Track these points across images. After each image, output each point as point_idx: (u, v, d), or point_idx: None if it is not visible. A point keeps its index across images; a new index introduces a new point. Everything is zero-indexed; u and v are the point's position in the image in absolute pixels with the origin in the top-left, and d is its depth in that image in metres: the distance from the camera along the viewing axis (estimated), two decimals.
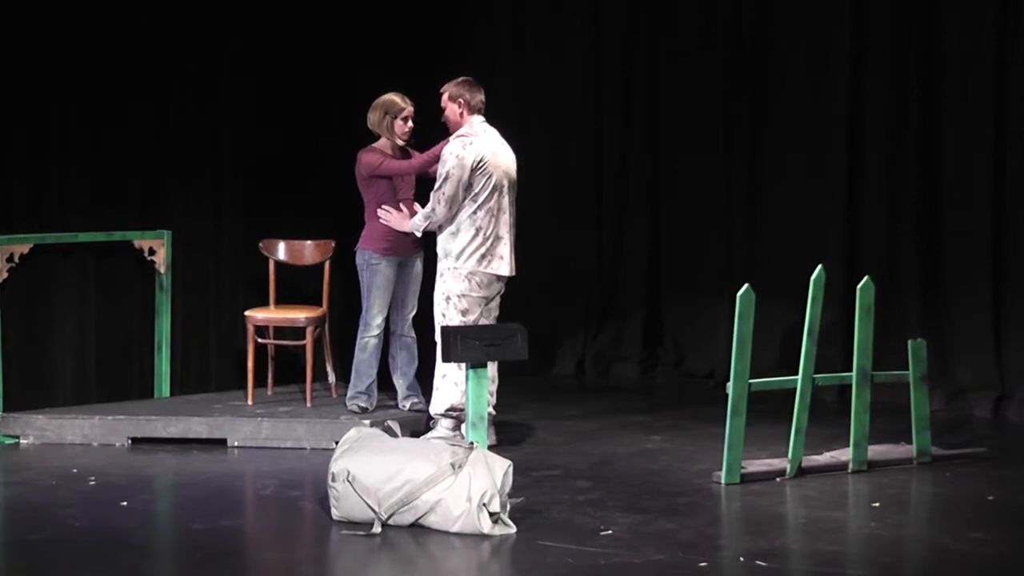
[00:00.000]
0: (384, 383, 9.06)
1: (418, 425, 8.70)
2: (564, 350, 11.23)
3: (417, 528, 6.82)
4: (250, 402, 9.17)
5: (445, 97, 8.48)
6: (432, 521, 6.79)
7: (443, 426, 8.44)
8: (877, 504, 7.31)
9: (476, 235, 8.35)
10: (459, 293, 8.36)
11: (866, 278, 8.01)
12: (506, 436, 8.74)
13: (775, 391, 8.18)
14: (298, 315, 9.24)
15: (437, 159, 8.45)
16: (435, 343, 8.23)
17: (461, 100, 8.45)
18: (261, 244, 9.56)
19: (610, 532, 6.79)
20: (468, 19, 11.25)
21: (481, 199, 8.34)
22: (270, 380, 9.53)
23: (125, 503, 7.35)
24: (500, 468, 6.85)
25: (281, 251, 9.57)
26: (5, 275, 8.85)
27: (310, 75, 10.18)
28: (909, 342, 8.13)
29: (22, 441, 8.78)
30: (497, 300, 8.55)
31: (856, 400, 7.96)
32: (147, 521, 7.24)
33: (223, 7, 9.84)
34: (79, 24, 9.30)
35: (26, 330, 9.10)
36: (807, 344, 7.80)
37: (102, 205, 9.40)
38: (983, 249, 9.63)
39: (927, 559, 6.59)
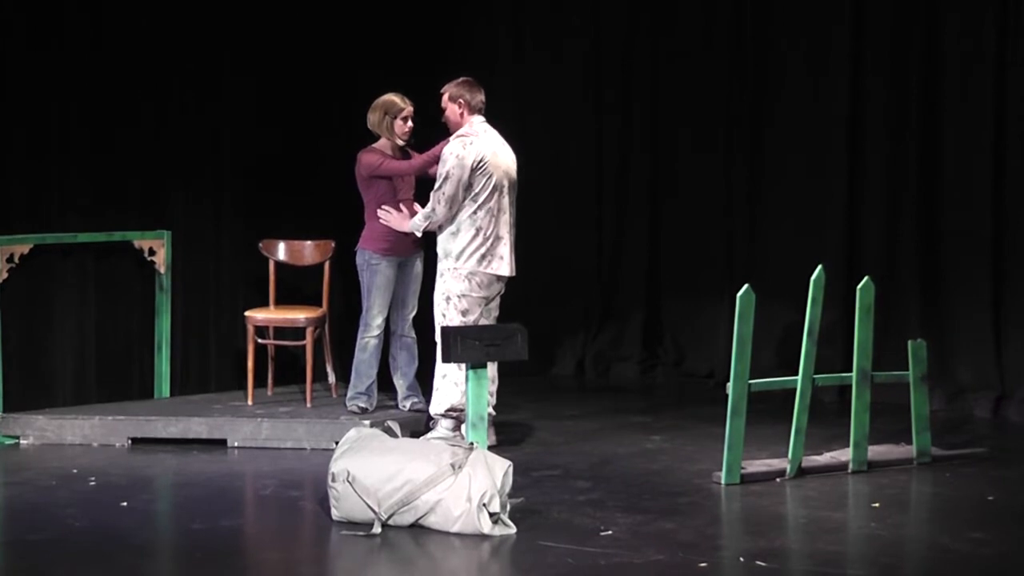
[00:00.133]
0: (384, 383, 9.06)
1: (418, 425, 8.70)
2: (564, 350, 11.23)
3: (417, 528, 6.82)
4: (250, 402, 9.17)
5: (445, 97, 8.48)
6: (432, 521, 6.79)
7: (443, 426, 8.44)
8: (877, 504, 7.31)
9: (476, 235, 8.35)
10: (459, 293, 8.36)
11: (866, 278, 8.01)
12: (506, 436, 8.74)
13: (775, 391, 8.18)
14: (298, 315, 9.24)
15: (437, 159, 8.45)
16: (435, 343, 8.23)
17: (461, 100, 8.45)
18: (261, 244, 9.56)
19: (610, 532, 6.79)
20: (468, 19, 11.24)
21: (481, 199, 8.34)
22: (270, 380, 9.53)
23: (125, 503, 7.35)
24: (500, 468, 6.85)
25: (281, 251, 9.57)
26: (5, 275, 8.85)
27: (310, 75, 10.18)
28: (909, 342, 8.13)
29: (22, 441, 8.78)
30: (497, 300, 8.55)
31: (856, 400, 7.96)
32: (147, 521, 7.24)
33: (223, 7, 9.84)
34: (79, 24, 9.30)
35: (26, 330, 9.10)
36: (807, 344, 7.80)
37: (102, 205, 9.40)
38: (983, 249, 9.63)
39: (927, 559, 6.59)
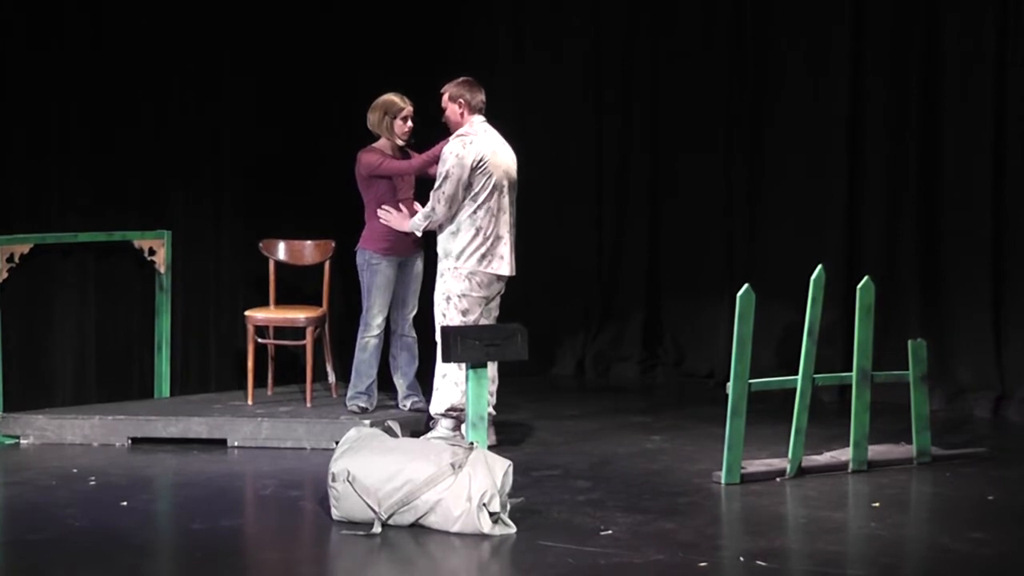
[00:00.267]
0: (384, 383, 9.07)
1: (418, 425, 8.70)
2: (564, 350, 11.23)
3: (417, 528, 6.82)
4: (250, 402, 9.17)
5: (445, 97, 8.49)
6: (432, 521, 6.79)
7: (443, 426, 8.44)
8: (877, 504, 7.31)
9: (476, 235, 8.35)
10: (459, 293, 8.36)
11: (866, 278, 8.01)
12: (506, 436, 8.74)
13: (775, 391, 8.18)
14: (298, 315, 9.24)
15: (437, 159, 8.45)
16: (435, 343, 8.23)
17: (461, 100, 8.45)
18: (261, 244, 9.57)
19: (610, 532, 6.79)
20: (468, 19, 11.25)
21: (481, 199, 8.34)
22: (270, 380, 9.53)
23: (125, 503, 7.35)
24: (500, 468, 6.85)
25: (281, 251, 9.57)
26: (5, 275, 8.85)
27: (310, 75, 10.18)
28: (909, 342, 8.13)
29: (22, 441, 8.78)
30: (497, 300, 8.55)
31: (856, 400, 7.96)
32: (147, 521, 7.24)
33: (223, 7, 9.84)
34: (79, 24, 9.30)
35: (26, 330, 9.10)
36: (807, 344, 7.80)
37: (102, 205, 9.40)
38: (983, 249, 9.63)
39: (927, 559, 6.59)
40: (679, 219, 10.99)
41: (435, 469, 6.81)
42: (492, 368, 8.38)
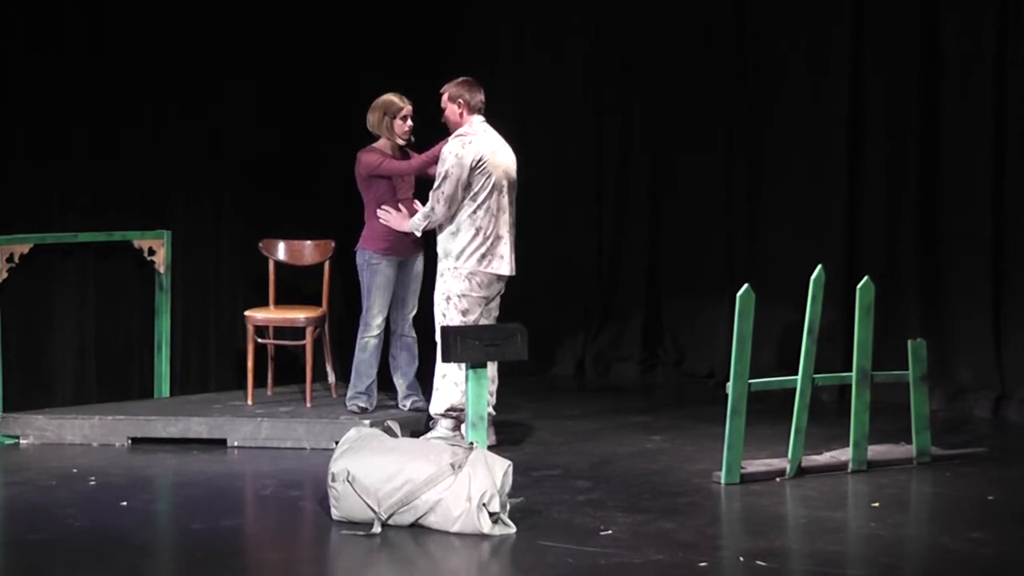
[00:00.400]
0: (384, 383, 9.07)
1: (418, 425, 8.70)
2: (564, 350, 11.23)
3: (417, 528, 6.82)
4: (250, 402, 9.17)
5: (445, 97, 8.49)
6: (432, 521, 6.79)
7: (443, 426, 8.44)
8: (877, 504, 7.31)
9: (476, 235, 8.35)
10: (459, 293, 8.36)
11: (866, 278, 8.01)
12: (506, 436, 8.74)
13: (775, 391, 8.18)
14: (298, 315, 9.24)
15: (436, 159, 8.45)
16: (435, 343, 8.23)
17: (461, 100, 8.45)
18: (261, 244, 9.57)
19: (610, 532, 6.79)
20: (468, 19, 11.25)
21: (481, 198, 8.34)
22: (270, 380, 9.53)
23: (125, 503, 7.35)
24: (500, 468, 6.85)
25: (281, 251, 9.57)
26: (5, 275, 8.85)
27: (310, 75, 10.18)
28: (909, 342, 8.13)
29: (22, 441, 8.78)
30: (497, 300, 8.55)
31: (856, 400, 7.96)
32: (147, 521, 7.24)
33: (223, 7, 9.84)
34: (79, 24, 9.30)
35: (26, 330, 9.10)
36: (807, 344, 7.80)
37: (102, 205, 9.40)
38: (983, 249, 9.63)
39: (927, 559, 6.59)
40: (679, 219, 10.99)
41: (435, 469, 6.81)
42: (492, 368, 8.38)
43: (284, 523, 7.20)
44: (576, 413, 9.68)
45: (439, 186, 8.35)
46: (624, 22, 11.06)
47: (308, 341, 9.14)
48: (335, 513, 6.97)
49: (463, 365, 7.73)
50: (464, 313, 8.35)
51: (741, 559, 6.40)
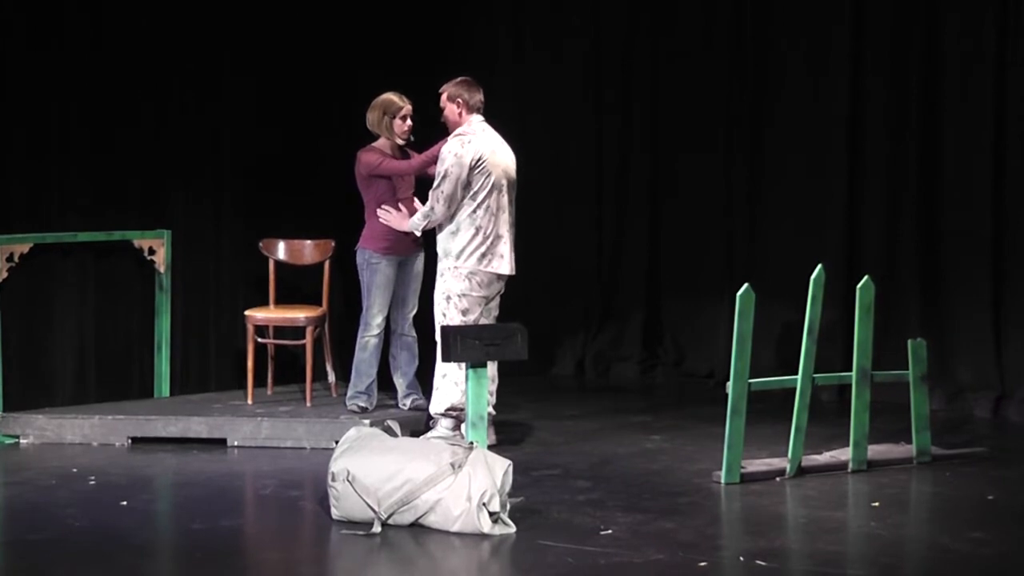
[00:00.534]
0: (384, 382, 9.07)
1: (418, 425, 8.70)
2: (564, 350, 11.23)
3: (417, 528, 6.81)
4: (250, 402, 9.17)
5: (444, 97, 8.49)
6: (432, 521, 6.79)
7: (443, 426, 8.44)
8: (877, 504, 7.31)
9: (476, 234, 8.35)
10: (459, 292, 8.36)
11: (866, 278, 8.01)
12: (506, 436, 8.74)
13: (775, 391, 8.18)
14: (298, 315, 9.24)
15: (436, 159, 8.45)
16: (435, 342, 8.24)
17: (460, 100, 8.45)
18: (261, 244, 9.57)
19: (610, 532, 6.79)
20: (468, 19, 11.25)
21: (480, 198, 8.34)
22: (270, 380, 9.53)
23: (125, 503, 7.35)
24: (500, 468, 6.85)
25: (281, 251, 9.57)
26: (5, 275, 8.85)
27: (310, 75, 10.18)
28: (909, 342, 8.13)
29: (22, 441, 8.78)
30: (497, 300, 8.55)
31: (856, 400, 7.96)
32: (147, 521, 7.24)
33: (223, 7, 9.84)
34: (79, 24, 9.30)
35: (26, 330, 9.10)
36: (807, 343, 7.80)
37: (102, 205, 9.40)
38: (983, 249, 9.63)
39: (927, 559, 6.59)
40: (679, 219, 10.99)
41: (435, 469, 6.80)
42: (492, 368, 8.38)
43: (284, 523, 7.20)
44: (576, 413, 9.68)
45: (438, 185, 8.35)
46: (624, 22, 11.06)
47: (308, 341, 9.14)
48: (335, 513, 6.97)
49: (463, 365, 7.73)
50: (464, 313, 8.35)
51: (741, 559, 6.40)
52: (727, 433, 7.62)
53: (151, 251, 9.49)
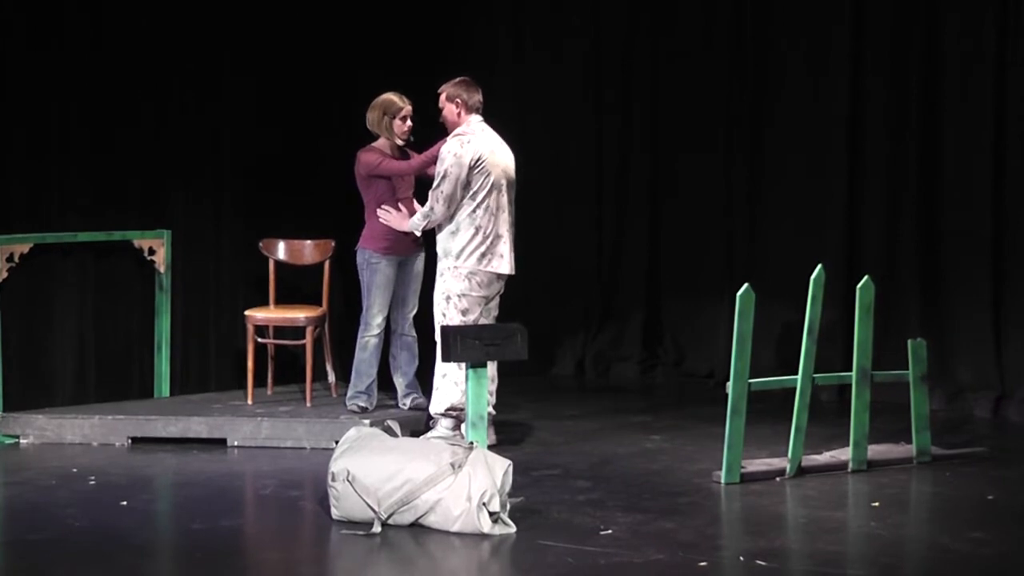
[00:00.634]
0: (384, 382, 9.07)
1: (418, 424, 8.70)
2: (564, 350, 11.23)
3: (417, 528, 6.81)
4: (250, 402, 9.17)
5: (443, 97, 8.49)
6: (432, 521, 6.79)
7: (443, 426, 8.44)
8: (877, 504, 7.31)
9: (476, 234, 8.35)
10: (459, 292, 8.36)
11: (866, 278, 8.01)
12: (506, 436, 8.74)
13: (775, 391, 8.18)
14: (298, 315, 9.24)
15: (436, 159, 8.46)
16: (435, 342, 8.24)
17: (459, 100, 8.45)
18: (261, 244, 9.57)
19: (610, 532, 6.79)
20: (468, 19, 11.25)
21: (480, 197, 8.34)
22: (270, 380, 9.53)
23: (125, 503, 7.35)
24: (500, 468, 6.85)
25: (281, 251, 9.57)
26: (5, 275, 8.85)
27: (310, 75, 10.18)
28: (909, 342, 8.13)
29: (22, 441, 8.78)
30: (497, 300, 8.55)
31: (856, 400, 7.96)
32: (147, 521, 7.24)
33: (223, 7, 9.84)
34: (79, 24, 9.30)
35: (26, 330, 9.10)
36: (807, 343, 7.80)
37: (102, 205, 9.41)
38: (983, 249, 9.63)
39: (927, 559, 6.59)
40: (679, 219, 10.99)
41: (435, 469, 6.80)
42: (491, 368, 8.38)
43: (284, 523, 7.20)
44: (576, 413, 9.68)
45: (438, 185, 8.35)
46: (624, 22, 11.06)
47: (308, 341, 9.14)
48: (335, 513, 6.97)
49: (463, 365, 7.73)
50: (464, 313, 8.35)
51: (741, 559, 6.40)
52: (727, 433, 7.62)
53: (151, 251, 9.49)
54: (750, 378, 7.68)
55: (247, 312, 9.26)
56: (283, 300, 9.50)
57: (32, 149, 9.16)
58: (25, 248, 8.95)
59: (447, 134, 8.50)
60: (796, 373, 7.85)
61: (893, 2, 9.94)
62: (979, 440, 8.75)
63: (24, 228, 9.03)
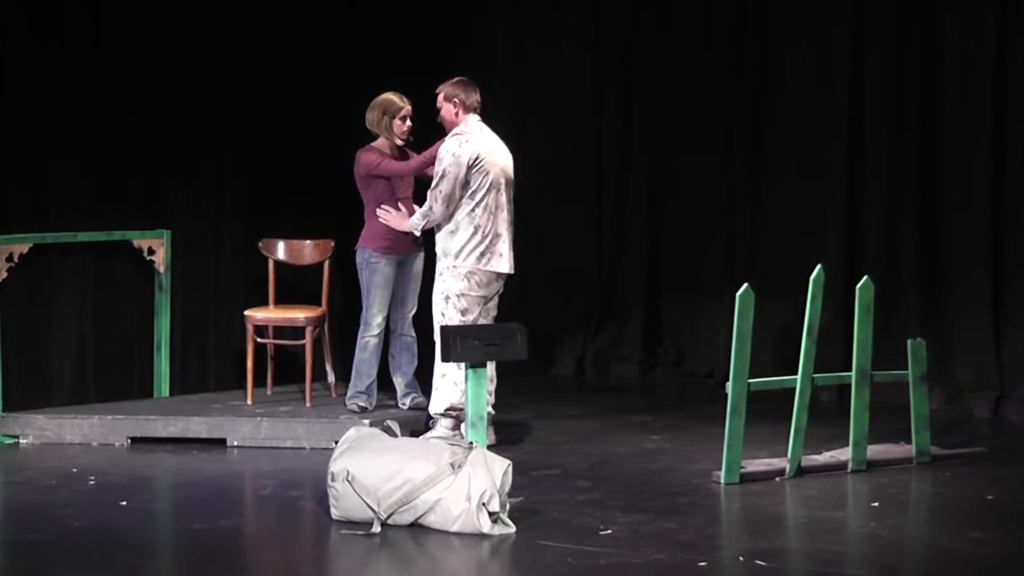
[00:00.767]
0: (384, 382, 9.07)
1: (418, 424, 8.69)
2: (564, 350, 11.23)
3: (416, 528, 6.81)
4: (249, 402, 9.17)
5: (441, 97, 8.50)
6: (431, 521, 6.79)
7: (443, 426, 8.44)
8: (877, 504, 7.31)
9: (475, 233, 8.35)
10: (458, 292, 8.36)
11: (866, 278, 8.01)
12: (506, 436, 8.74)
13: (774, 391, 8.18)
14: (297, 315, 9.24)
15: (435, 159, 8.45)
16: (435, 342, 8.23)
17: (456, 100, 8.45)
18: (261, 244, 9.57)
19: (610, 532, 6.79)
20: (468, 19, 11.24)
21: (478, 196, 8.34)
22: (269, 380, 9.53)
23: (125, 503, 7.35)
24: (499, 468, 6.85)
25: (281, 251, 9.57)
26: (5, 275, 8.85)
27: (310, 75, 10.18)
28: (909, 342, 8.13)
29: (22, 441, 8.78)
30: (496, 300, 8.55)
31: (855, 400, 7.95)
32: (147, 521, 7.24)
33: (223, 7, 9.83)
34: (79, 24, 9.29)
35: (26, 330, 9.10)
36: (806, 343, 7.80)
37: (102, 205, 9.40)
38: (983, 249, 9.63)
39: (927, 559, 6.59)
40: (679, 219, 10.99)
41: (434, 469, 6.80)
42: (490, 368, 8.37)
43: (284, 523, 7.20)
44: (576, 413, 9.68)
45: (436, 185, 8.36)
46: (624, 22, 11.06)
47: (308, 341, 9.14)
48: (335, 513, 6.97)
49: (462, 365, 7.73)
50: (463, 312, 8.35)
51: (741, 559, 6.40)
52: (727, 433, 7.62)
53: (151, 251, 9.49)
54: (750, 378, 7.68)
55: (247, 312, 9.26)
56: (283, 300, 9.50)
57: (32, 149, 9.16)
58: (25, 248, 8.95)
59: (445, 134, 8.50)
60: (796, 373, 7.85)
61: (893, 2, 9.94)
62: (979, 440, 8.75)
63: (24, 228, 9.03)
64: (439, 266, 8.44)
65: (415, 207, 8.75)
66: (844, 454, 8.00)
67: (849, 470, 7.91)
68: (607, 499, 7.39)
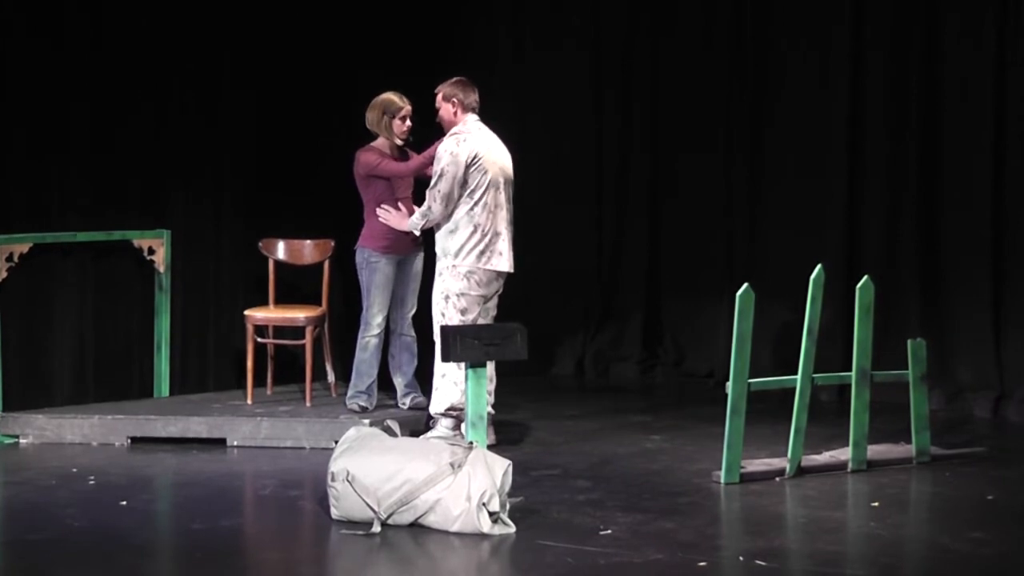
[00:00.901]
0: (384, 382, 9.07)
1: (418, 424, 8.69)
2: (564, 350, 11.23)
3: (416, 528, 6.81)
4: (249, 401, 9.17)
5: (439, 97, 8.50)
6: (431, 521, 6.79)
7: (443, 426, 8.44)
8: (877, 504, 7.31)
9: (474, 232, 8.35)
10: (458, 292, 8.36)
11: (866, 278, 8.01)
12: (506, 436, 8.74)
13: (774, 391, 8.18)
14: (297, 314, 9.24)
15: (434, 159, 8.46)
16: (435, 342, 8.23)
17: (455, 100, 8.46)
18: (261, 244, 9.57)
19: (610, 532, 6.79)
20: (468, 19, 11.25)
21: (477, 196, 8.35)
22: (269, 380, 9.53)
23: (125, 503, 7.35)
24: (499, 468, 6.85)
25: (281, 250, 9.57)
26: (5, 275, 8.85)
27: (310, 75, 10.18)
28: (909, 342, 8.13)
29: (22, 441, 8.78)
30: (495, 299, 8.55)
31: (855, 400, 7.95)
32: (147, 521, 7.24)
33: (223, 7, 9.84)
34: (79, 24, 9.29)
35: (26, 330, 9.10)
36: (806, 343, 7.80)
37: (102, 205, 9.40)
38: (983, 249, 9.63)
39: (927, 559, 6.59)
40: (679, 219, 10.99)
41: (434, 469, 6.80)
42: (490, 368, 8.37)
43: (284, 523, 7.20)
44: (576, 413, 9.68)
45: (435, 184, 8.36)
46: (624, 22, 11.06)
47: (308, 340, 9.14)
48: (335, 513, 6.97)
49: (462, 364, 7.73)
50: (463, 312, 8.35)
51: (741, 559, 6.40)
52: (727, 433, 7.62)
53: (151, 251, 9.49)
54: (750, 378, 7.68)
55: (247, 312, 9.26)
56: (283, 300, 9.50)
57: (32, 149, 9.16)
58: (25, 248, 8.95)
59: (445, 134, 8.50)
60: (796, 373, 7.85)
61: (893, 2, 9.95)
62: (979, 440, 8.75)
63: (24, 228, 9.03)
64: (439, 266, 8.45)
65: (415, 207, 8.75)
66: (844, 454, 8.00)
67: (849, 470, 7.91)
68: (607, 499, 7.39)
